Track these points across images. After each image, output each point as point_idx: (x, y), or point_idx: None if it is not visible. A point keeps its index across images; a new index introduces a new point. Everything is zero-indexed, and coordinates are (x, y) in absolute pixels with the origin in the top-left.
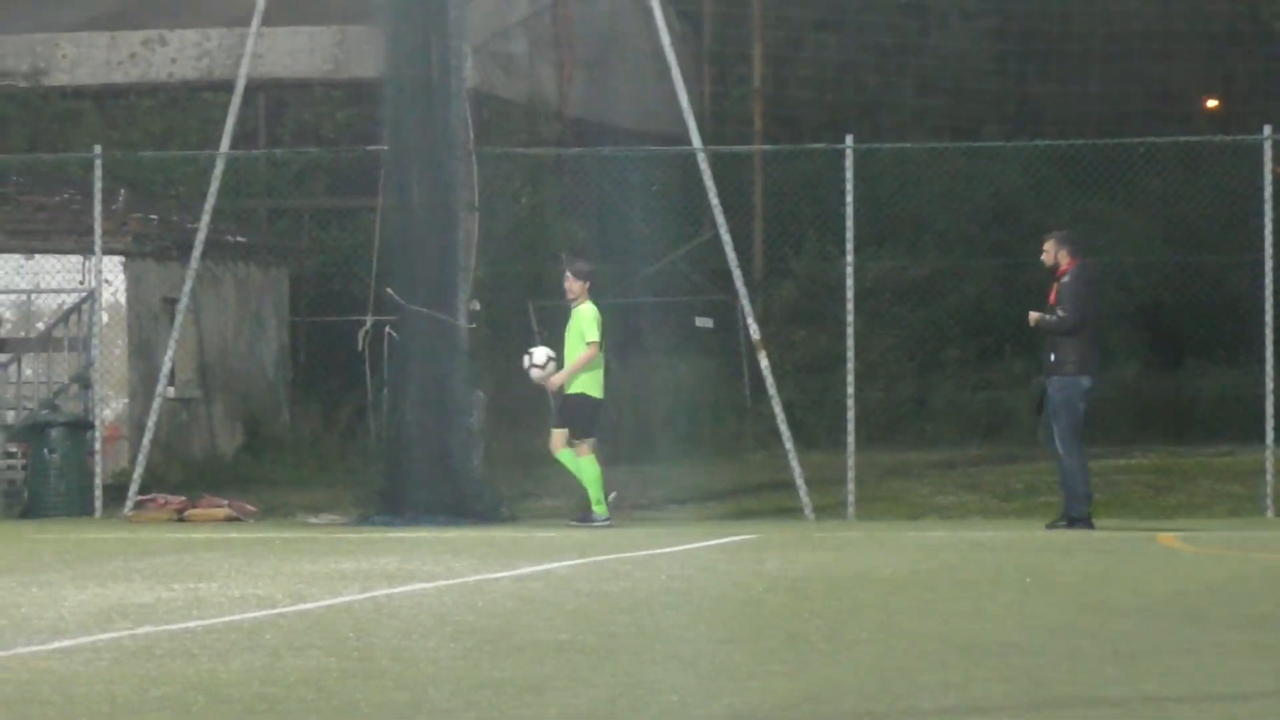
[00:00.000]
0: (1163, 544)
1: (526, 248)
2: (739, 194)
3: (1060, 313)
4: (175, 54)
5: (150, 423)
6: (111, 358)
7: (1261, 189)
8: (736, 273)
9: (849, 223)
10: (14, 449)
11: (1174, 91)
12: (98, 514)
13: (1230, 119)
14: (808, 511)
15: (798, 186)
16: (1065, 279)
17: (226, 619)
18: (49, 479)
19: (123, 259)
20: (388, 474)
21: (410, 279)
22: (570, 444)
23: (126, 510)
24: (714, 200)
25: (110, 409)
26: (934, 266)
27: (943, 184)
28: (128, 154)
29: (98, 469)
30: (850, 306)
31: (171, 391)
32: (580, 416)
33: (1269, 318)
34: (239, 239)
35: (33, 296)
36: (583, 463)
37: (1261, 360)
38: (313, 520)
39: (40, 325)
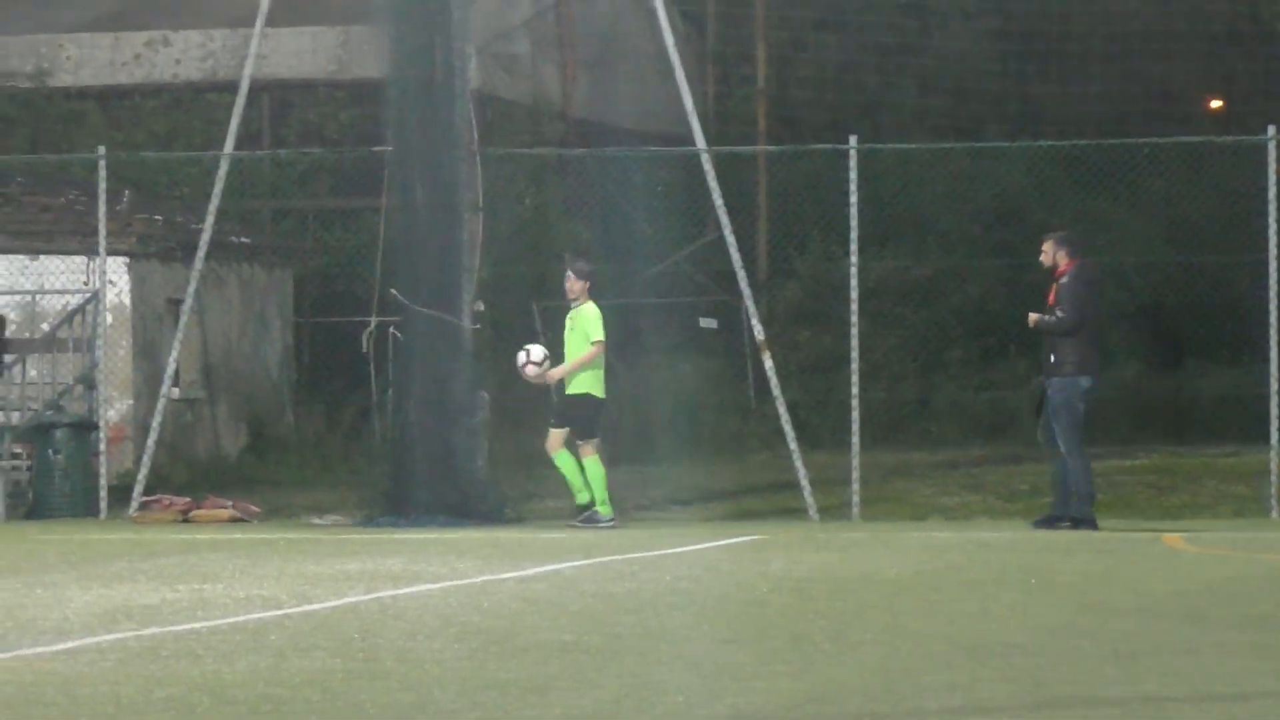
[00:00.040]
0: (1166, 544)
1: (530, 248)
2: (743, 194)
3: (1059, 313)
4: (179, 55)
5: (155, 423)
6: (116, 359)
7: (1265, 189)
8: (740, 273)
9: (853, 223)
10: (19, 450)
11: (1175, 92)
12: (102, 515)
13: (1231, 119)
14: (812, 512)
15: (801, 187)
16: (1064, 280)
17: (231, 620)
18: (54, 480)
19: (127, 260)
20: (392, 475)
21: (414, 280)
22: (575, 444)
23: (131, 511)
24: (718, 201)
25: (115, 410)
26: (937, 267)
27: (946, 184)
28: (132, 155)
29: (102, 470)
30: (854, 307)
31: (176, 392)
32: (584, 416)
33: (1273, 319)
34: (243, 240)
35: (37, 297)
36: (587, 463)
37: (1265, 361)
38: (317, 521)
39: (45, 326)
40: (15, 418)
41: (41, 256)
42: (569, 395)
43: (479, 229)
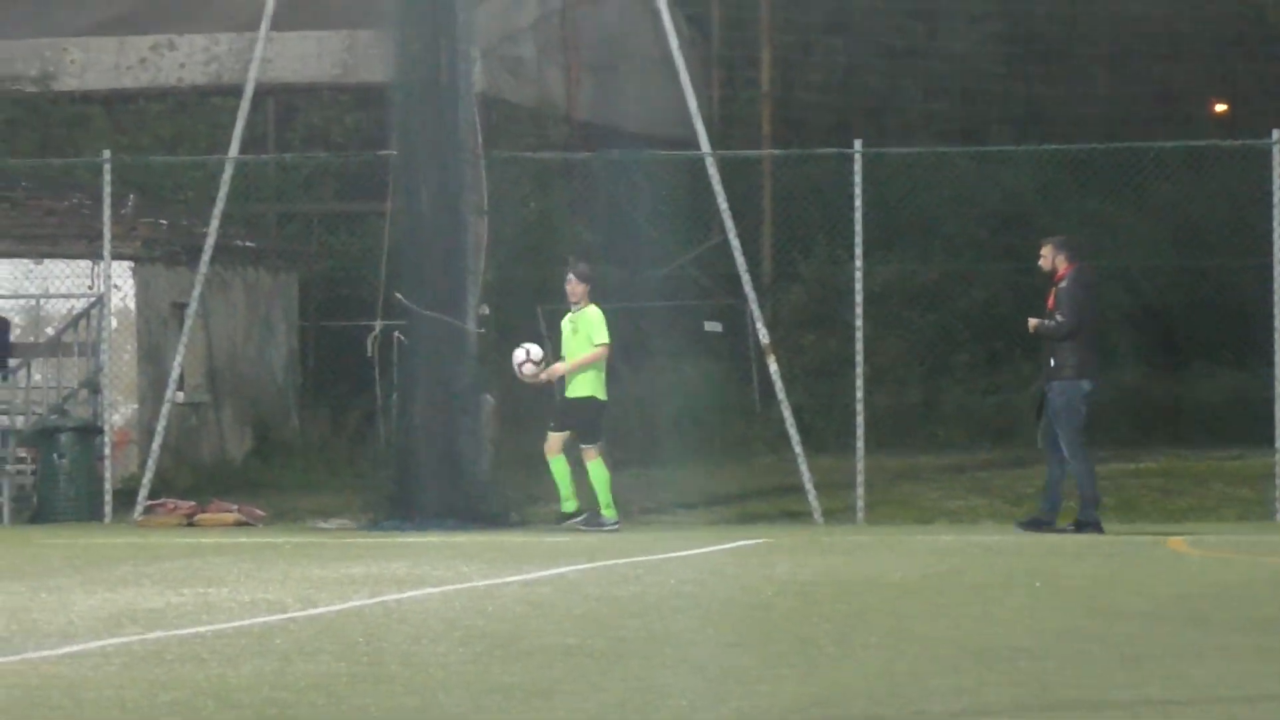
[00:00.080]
0: (1170, 548)
1: (535, 252)
2: (748, 198)
3: (1058, 318)
4: (184, 59)
5: (159, 427)
6: (120, 363)
7: (1270, 193)
8: (745, 277)
9: (858, 227)
10: (23, 454)
11: (1180, 95)
12: (107, 519)
13: (1236, 123)
14: (817, 515)
15: (806, 190)
16: (1062, 284)
17: (236, 624)
18: (58, 484)
19: (132, 264)
20: (397, 479)
21: (419, 283)
22: (579, 449)
23: (136, 515)
24: (723, 204)
25: (119, 414)
26: (943, 270)
27: (951, 188)
28: (137, 159)
29: (107, 474)
30: (859, 310)
31: (180, 396)
32: (587, 420)
33: (1278, 322)
34: (248, 244)
35: (42, 301)
36: (591, 466)
37: (1270, 364)
38: (322, 525)
39: (49, 330)
40: (20, 422)
41: (46, 260)
42: (571, 399)
43: (484, 232)
